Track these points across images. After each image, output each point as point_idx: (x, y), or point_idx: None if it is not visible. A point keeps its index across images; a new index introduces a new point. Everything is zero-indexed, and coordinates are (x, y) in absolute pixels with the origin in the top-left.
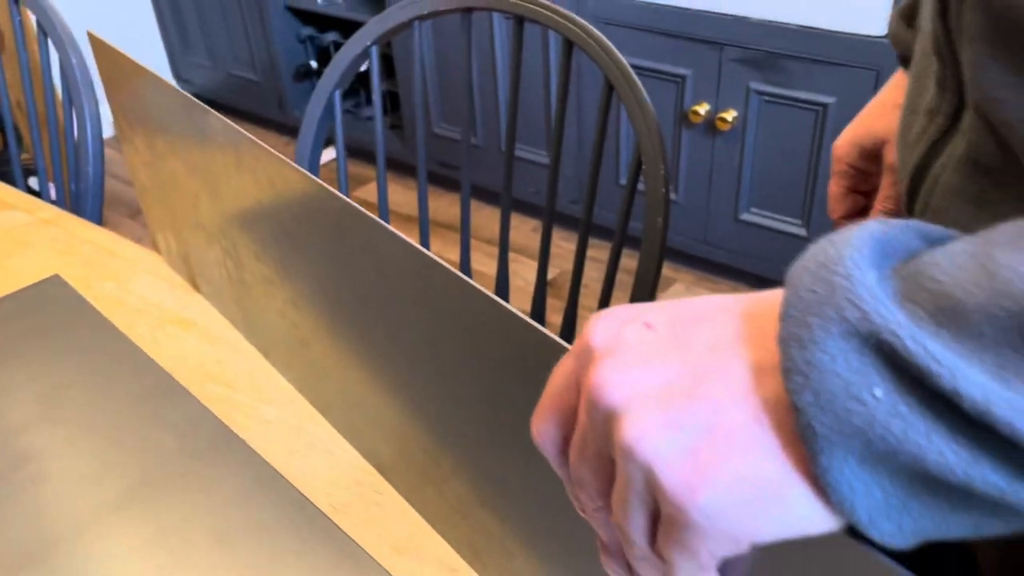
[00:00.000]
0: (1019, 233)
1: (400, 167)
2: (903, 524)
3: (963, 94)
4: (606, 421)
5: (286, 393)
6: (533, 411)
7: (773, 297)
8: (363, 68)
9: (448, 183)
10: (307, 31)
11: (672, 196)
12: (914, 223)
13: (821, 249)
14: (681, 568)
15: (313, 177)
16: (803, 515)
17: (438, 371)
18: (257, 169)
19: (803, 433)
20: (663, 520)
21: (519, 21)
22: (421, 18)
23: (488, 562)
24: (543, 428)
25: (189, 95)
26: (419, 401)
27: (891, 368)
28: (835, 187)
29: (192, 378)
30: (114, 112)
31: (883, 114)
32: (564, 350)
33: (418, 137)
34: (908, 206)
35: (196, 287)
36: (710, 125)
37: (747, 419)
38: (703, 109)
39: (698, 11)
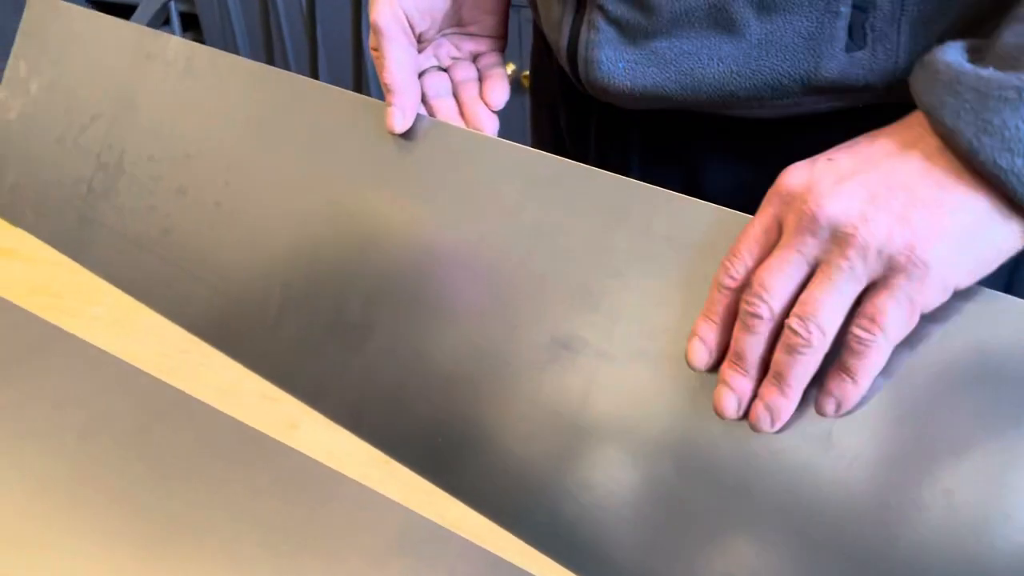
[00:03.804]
0: None
1: None
2: None
3: None
4: (831, 230)
5: (112, 294)
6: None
7: (907, 119)
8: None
9: None
10: None
11: None
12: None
13: (929, 78)
14: (891, 324)
15: (273, 68)
16: (1002, 247)
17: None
18: (208, 72)
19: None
20: (882, 290)
21: None
22: None
23: (298, 385)
24: (738, 263)
25: (144, 27)
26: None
27: None
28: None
29: (18, 294)
30: (13, 63)
31: None
32: None
33: None
34: (573, 73)
35: (17, 223)
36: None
37: (933, 188)
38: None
39: None
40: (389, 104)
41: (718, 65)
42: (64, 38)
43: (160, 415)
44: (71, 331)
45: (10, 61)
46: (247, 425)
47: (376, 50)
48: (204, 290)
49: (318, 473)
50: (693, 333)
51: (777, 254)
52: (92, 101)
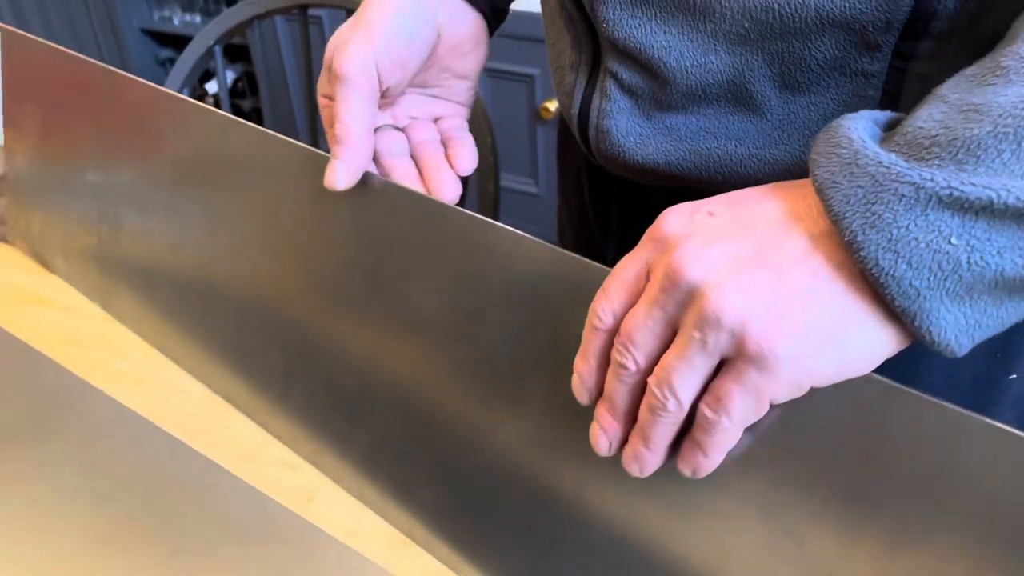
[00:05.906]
0: (956, 85)
1: None
2: (975, 334)
3: (596, 48)
4: (688, 295)
5: (139, 347)
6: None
7: (803, 184)
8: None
9: None
10: (166, 53)
11: (533, 190)
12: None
13: (829, 150)
14: (736, 409)
15: (241, 121)
16: (872, 354)
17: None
18: (166, 119)
19: (905, 293)
20: (732, 372)
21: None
22: (259, 17)
23: (321, 458)
24: (605, 305)
25: (110, 67)
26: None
27: (954, 213)
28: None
29: (49, 345)
30: (6, 101)
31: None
32: None
33: None
34: (584, 143)
35: (51, 269)
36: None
37: (806, 277)
38: (553, 106)
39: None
40: (335, 157)
41: (735, 146)
42: (40, 75)
43: (180, 482)
44: (98, 385)
45: (3, 103)
46: (267, 496)
47: (329, 97)
48: (218, 350)
49: (337, 553)
50: (575, 370)
51: (641, 306)
52: (81, 142)
